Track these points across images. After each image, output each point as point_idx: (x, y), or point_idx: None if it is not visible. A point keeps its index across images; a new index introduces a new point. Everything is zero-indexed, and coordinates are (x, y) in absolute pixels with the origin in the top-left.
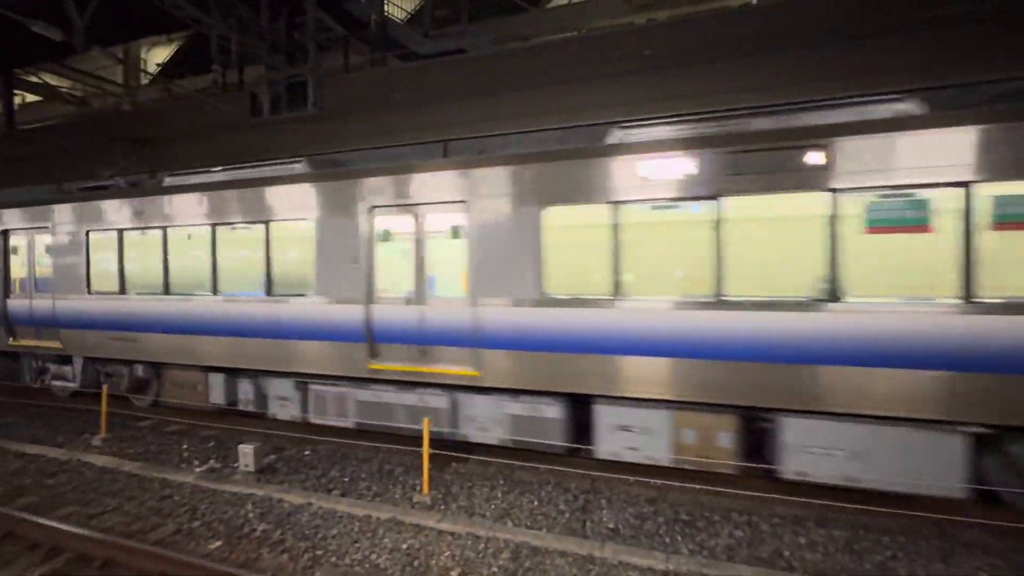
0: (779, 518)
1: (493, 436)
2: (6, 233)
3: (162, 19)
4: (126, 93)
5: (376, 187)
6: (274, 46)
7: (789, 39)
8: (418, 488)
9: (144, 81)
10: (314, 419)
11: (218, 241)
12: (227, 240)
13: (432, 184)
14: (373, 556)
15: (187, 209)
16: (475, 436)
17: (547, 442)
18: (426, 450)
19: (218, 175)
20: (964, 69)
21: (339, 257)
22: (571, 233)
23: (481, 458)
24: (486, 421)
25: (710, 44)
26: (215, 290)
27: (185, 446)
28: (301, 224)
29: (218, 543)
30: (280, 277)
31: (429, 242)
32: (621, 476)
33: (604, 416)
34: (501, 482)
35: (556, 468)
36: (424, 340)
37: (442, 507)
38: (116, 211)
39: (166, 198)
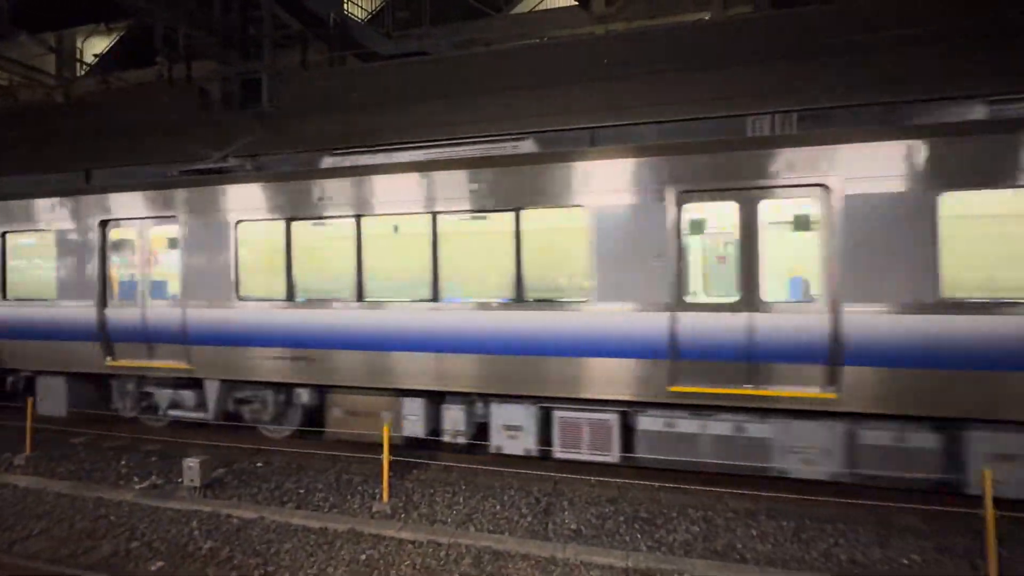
0: (733, 512)
1: (823, 471)
2: (105, 224)
3: (100, 7)
4: (58, 84)
5: (688, 166)
6: (226, 40)
7: (744, 53)
8: (378, 497)
9: (80, 72)
10: (560, 453)
11: (440, 234)
12: (452, 232)
13: (770, 163)
14: (329, 569)
15: (394, 194)
16: (799, 471)
17: (910, 476)
18: (386, 457)
19: (403, 155)
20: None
21: (630, 254)
22: (987, 224)
23: (444, 463)
24: (818, 452)
25: (668, 55)
26: (435, 295)
27: (123, 462)
28: (570, 213)
29: (160, 563)
30: (534, 278)
31: (763, 234)
32: (583, 477)
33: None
34: (463, 487)
35: (519, 471)
36: (754, 356)
37: (403, 515)
38: (281, 196)
39: (360, 180)
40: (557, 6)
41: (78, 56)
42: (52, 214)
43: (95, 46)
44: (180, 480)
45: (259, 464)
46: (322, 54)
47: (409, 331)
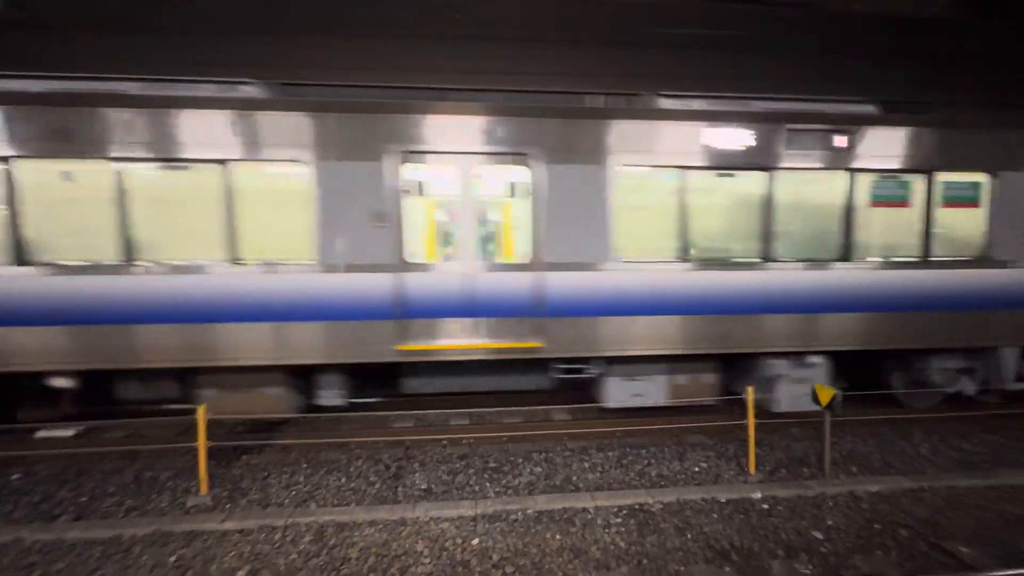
0: (570, 451)
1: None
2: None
3: None
4: None
5: None
6: None
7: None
8: (194, 490)
9: None
10: None
11: None
12: None
13: None
14: None
15: None
16: None
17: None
18: (202, 443)
19: None
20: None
21: None
22: None
23: (281, 442)
24: None
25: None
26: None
27: None
28: None
29: None
30: None
31: None
32: (435, 437)
33: None
34: (304, 466)
35: (368, 440)
36: None
37: (227, 506)
38: None
39: None
40: None
41: None
42: None
43: None
44: None
45: (16, 476)
46: None
47: None
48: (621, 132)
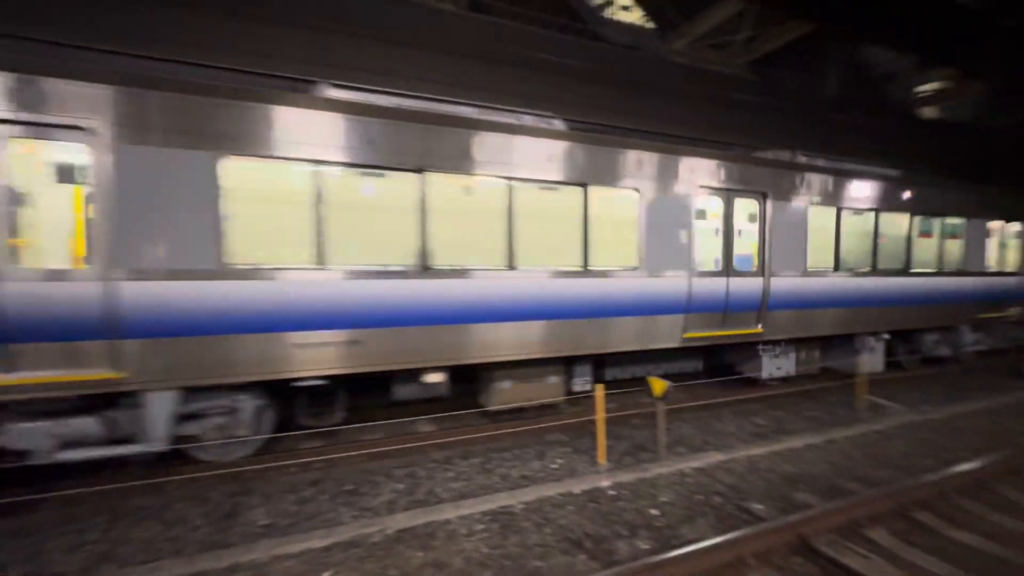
0: (434, 462)
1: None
2: None
3: None
4: None
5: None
6: None
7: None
8: None
9: None
10: None
11: None
12: None
13: None
14: None
15: None
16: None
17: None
18: None
19: None
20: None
21: None
22: None
23: (68, 492)
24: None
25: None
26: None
27: None
28: None
29: None
30: None
31: None
32: (280, 464)
33: None
34: (101, 519)
35: (195, 476)
36: None
37: None
38: None
39: None
40: None
41: None
42: None
43: None
44: None
45: None
46: None
47: None
48: (813, 181)
